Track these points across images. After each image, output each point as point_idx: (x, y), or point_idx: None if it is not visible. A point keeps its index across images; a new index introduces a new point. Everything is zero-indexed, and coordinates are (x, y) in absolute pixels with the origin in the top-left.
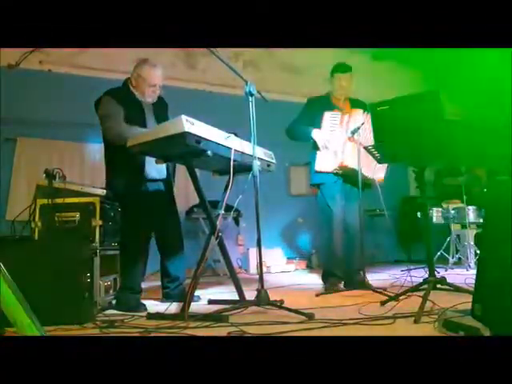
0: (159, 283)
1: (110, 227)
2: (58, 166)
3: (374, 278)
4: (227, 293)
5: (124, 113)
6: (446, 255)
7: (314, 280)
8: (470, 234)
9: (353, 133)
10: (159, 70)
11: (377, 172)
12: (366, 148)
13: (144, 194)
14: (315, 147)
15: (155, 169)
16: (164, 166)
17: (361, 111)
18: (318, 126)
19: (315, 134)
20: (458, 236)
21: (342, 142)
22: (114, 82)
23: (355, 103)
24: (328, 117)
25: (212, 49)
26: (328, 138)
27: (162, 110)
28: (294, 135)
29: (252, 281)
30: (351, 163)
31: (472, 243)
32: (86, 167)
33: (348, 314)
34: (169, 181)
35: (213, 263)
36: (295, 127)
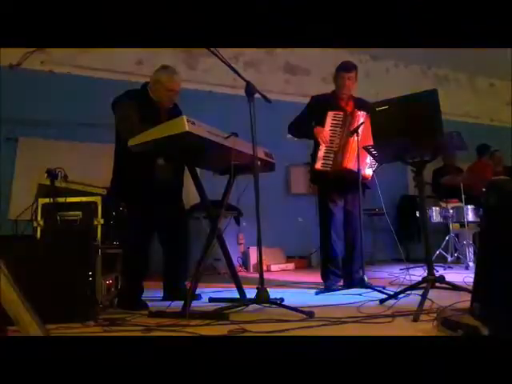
0: (160, 281)
1: (112, 226)
2: (60, 166)
3: (373, 276)
4: (228, 291)
5: (140, 114)
6: (445, 254)
7: (314, 278)
8: (469, 233)
9: (352, 133)
10: (178, 76)
11: (364, 168)
12: (365, 148)
13: (151, 194)
14: (316, 146)
15: (165, 170)
16: (173, 168)
17: (364, 113)
18: (321, 124)
19: (317, 131)
20: (457, 235)
21: (344, 143)
22: (114, 83)
23: (359, 102)
24: (331, 116)
25: (213, 49)
26: (329, 136)
27: (176, 116)
28: (296, 132)
29: (252, 279)
30: (351, 165)
31: (471, 242)
32: (88, 167)
33: (347, 313)
34: (177, 181)
35: (213, 262)
36: (298, 124)
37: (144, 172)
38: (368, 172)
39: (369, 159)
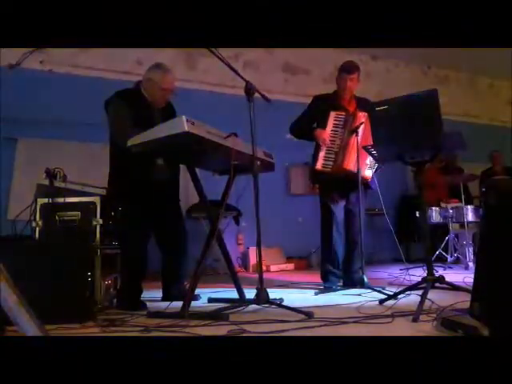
0: (159, 282)
1: (111, 226)
2: (59, 166)
3: (373, 276)
4: (227, 291)
5: (133, 115)
6: (445, 254)
7: (314, 279)
8: (469, 234)
9: (352, 132)
10: (171, 74)
11: (364, 169)
12: (364, 148)
13: (147, 194)
14: (317, 146)
15: (161, 170)
16: (171, 168)
17: (366, 114)
18: (323, 125)
19: (318, 133)
20: (457, 235)
21: (344, 143)
22: (114, 82)
23: (361, 102)
24: (333, 116)
25: (212, 49)
26: (329, 138)
27: (170, 115)
28: (298, 133)
29: (252, 280)
30: (351, 165)
31: (470, 242)
32: (87, 167)
33: (347, 313)
34: (174, 181)
35: (213, 262)
36: (299, 125)
37: (140, 172)
38: (367, 173)
39: (369, 160)
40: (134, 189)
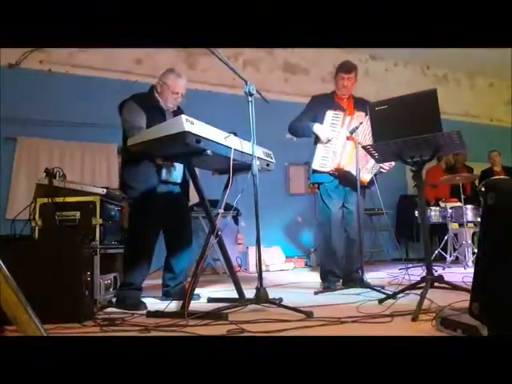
0: (159, 281)
1: (111, 226)
2: (58, 166)
3: (372, 276)
4: (226, 291)
5: (146, 117)
6: (444, 254)
7: (313, 278)
8: (468, 233)
9: (351, 132)
10: (183, 79)
11: (363, 173)
12: (364, 147)
13: (158, 195)
14: (316, 145)
15: (171, 171)
16: (180, 168)
17: (363, 114)
18: (321, 124)
19: (317, 128)
20: (456, 235)
21: (342, 143)
22: (113, 82)
23: (359, 102)
24: (330, 116)
25: (212, 49)
26: (330, 133)
27: None
28: (296, 130)
29: (251, 279)
30: (348, 166)
31: (470, 242)
32: (86, 166)
33: (346, 312)
34: (185, 183)
35: (212, 262)
36: (298, 123)
37: (150, 172)
38: (366, 177)
39: (369, 165)
40: (145, 189)
